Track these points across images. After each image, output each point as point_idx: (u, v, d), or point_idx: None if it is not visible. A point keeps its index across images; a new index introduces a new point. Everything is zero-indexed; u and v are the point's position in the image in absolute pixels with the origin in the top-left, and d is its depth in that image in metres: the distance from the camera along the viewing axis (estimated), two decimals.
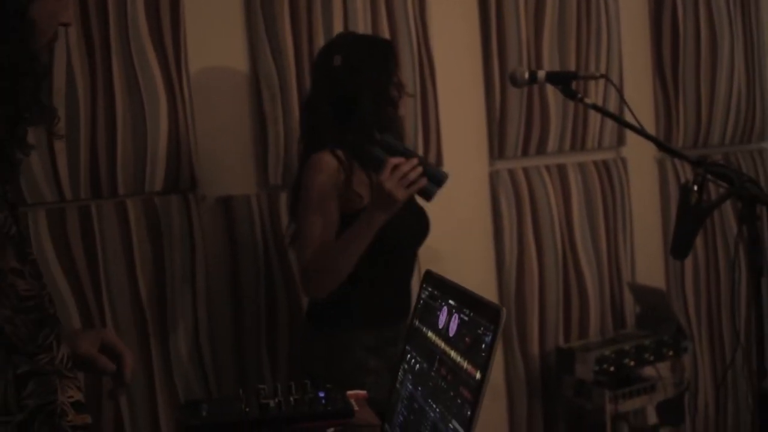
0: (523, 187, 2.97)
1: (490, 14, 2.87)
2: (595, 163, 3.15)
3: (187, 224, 2.42)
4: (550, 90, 2.95)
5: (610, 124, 3.15)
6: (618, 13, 3.16)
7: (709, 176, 1.76)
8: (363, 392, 1.39)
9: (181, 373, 2.42)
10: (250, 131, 2.54)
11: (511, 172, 2.96)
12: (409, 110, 2.71)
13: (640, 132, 1.84)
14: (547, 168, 3.03)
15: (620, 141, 3.20)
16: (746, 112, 3.47)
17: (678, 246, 1.77)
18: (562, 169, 3.06)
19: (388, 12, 2.67)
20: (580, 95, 1.89)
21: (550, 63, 2.98)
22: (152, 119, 2.34)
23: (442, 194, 2.83)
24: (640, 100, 3.30)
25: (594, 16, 3.08)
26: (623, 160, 3.22)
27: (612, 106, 3.14)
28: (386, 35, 2.65)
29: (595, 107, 1.89)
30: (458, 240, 2.90)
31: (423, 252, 2.87)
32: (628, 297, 3.17)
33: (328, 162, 2.02)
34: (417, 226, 2.21)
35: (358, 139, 2.02)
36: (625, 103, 1.82)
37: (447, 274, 2.98)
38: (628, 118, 1.91)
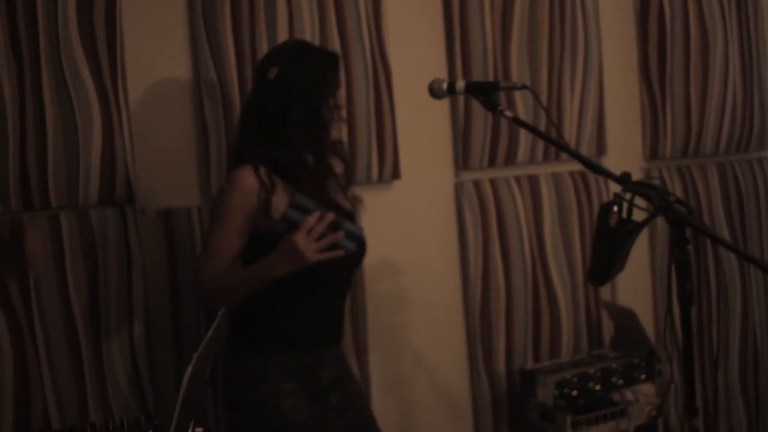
0: (489, 199, 2.81)
1: (453, 18, 2.73)
2: (571, 174, 2.97)
3: (124, 239, 2.34)
4: (519, 97, 2.79)
5: (588, 131, 2.97)
6: (597, 12, 2.97)
7: (631, 196, 1.63)
8: (200, 429, 1.30)
9: (117, 393, 2.34)
10: (193, 142, 2.46)
11: (477, 184, 2.81)
12: (362, 122, 2.59)
13: (562, 147, 1.70)
14: (517, 179, 2.87)
15: (600, 150, 3.02)
16: (743, 119, 3.24)
17: (595, 271, 1.63)
18: (533, 181, 2.89)
19: (338, 17, 2.54)
20: (500, 108, 1.76)
21: (519, 69, 2.82)
22: (84, 129, 2.26)
23: (405, 207, 2.74)
24: (624, 105, 3.12)
25: (569, 16, 2.90)
26: None
27: (591, 113, 2.96)
28: (335, 42, 2.53)
29: (516, 121, 1.75)
30: (422, 255, 2.77)
31: (385, 268, 2.76)
32: (607, 315, 2.99)
33: (248, 182, 1.95)
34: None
35: (286, 159, 1.97)
36: (548, 114, 1.68)
37: (409, 290, 2.86)
38: (552, 130, 1.76)
